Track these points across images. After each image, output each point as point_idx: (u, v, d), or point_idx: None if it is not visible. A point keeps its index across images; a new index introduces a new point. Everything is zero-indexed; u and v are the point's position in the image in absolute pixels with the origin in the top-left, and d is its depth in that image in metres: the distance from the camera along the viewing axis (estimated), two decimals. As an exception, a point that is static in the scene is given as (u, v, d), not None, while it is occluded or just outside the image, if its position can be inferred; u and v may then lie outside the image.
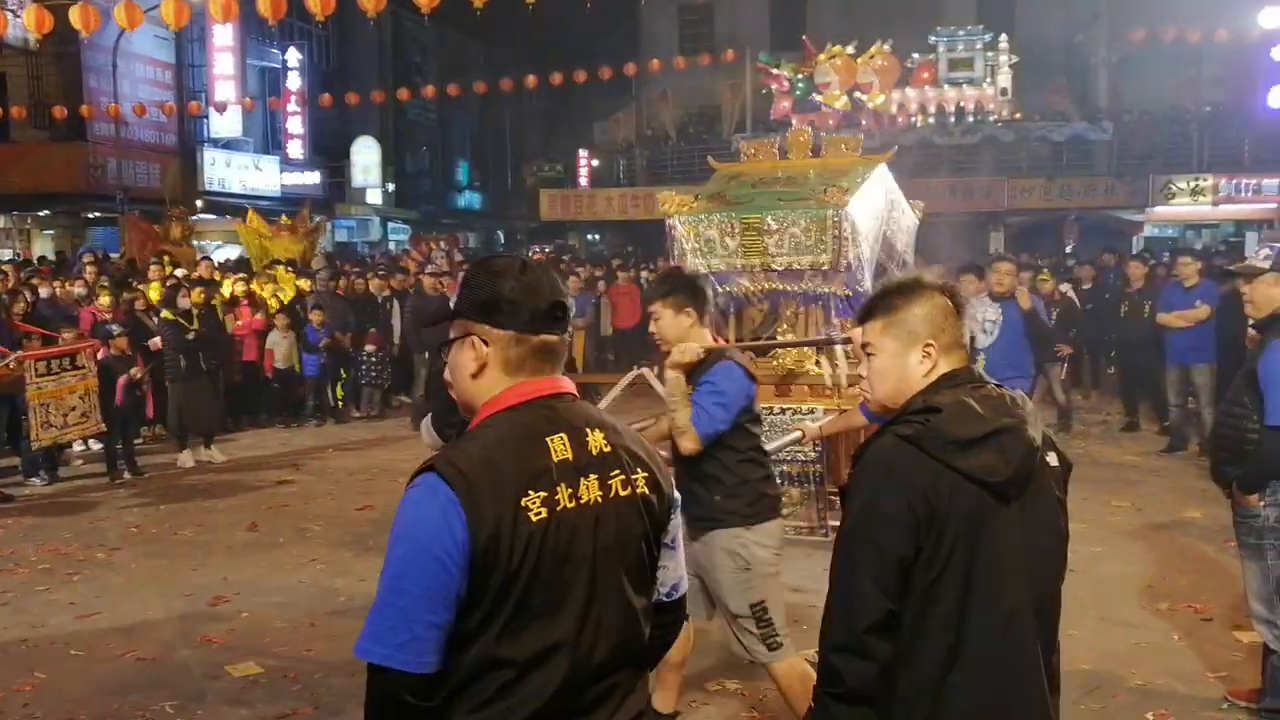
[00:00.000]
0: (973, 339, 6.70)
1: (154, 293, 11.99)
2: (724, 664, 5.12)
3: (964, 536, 2.05)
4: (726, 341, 4.62)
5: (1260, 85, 13.78)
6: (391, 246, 29.62)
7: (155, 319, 11.10)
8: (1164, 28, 21.43)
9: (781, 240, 6.46)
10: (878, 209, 6.82)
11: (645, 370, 7.49)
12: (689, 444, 3.78)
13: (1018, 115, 25.29)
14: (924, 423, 2.08)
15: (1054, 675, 2.20)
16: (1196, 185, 23.45)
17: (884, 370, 2.24)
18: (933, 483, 2.04)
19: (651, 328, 3.99)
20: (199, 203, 23.86)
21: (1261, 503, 4.24)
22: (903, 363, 2.21)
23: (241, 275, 13.82)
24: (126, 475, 9.67)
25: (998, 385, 2.19)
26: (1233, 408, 4.43)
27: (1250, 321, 4.62)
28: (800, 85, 25.71)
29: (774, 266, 6.55)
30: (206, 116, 24.66)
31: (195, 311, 10.29)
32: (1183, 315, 9.63)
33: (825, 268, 6.45)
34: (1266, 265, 4.34)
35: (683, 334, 3.85)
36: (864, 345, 2.30)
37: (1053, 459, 2.21)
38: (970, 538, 2.05)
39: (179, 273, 13.43)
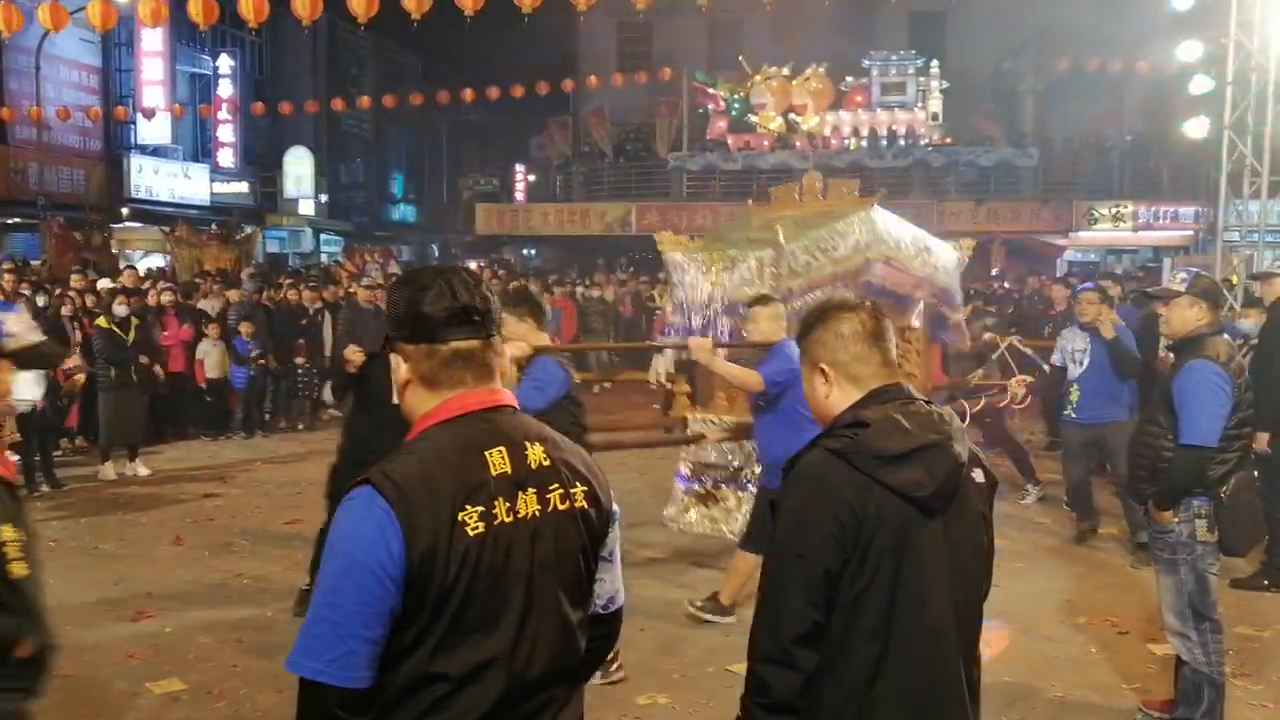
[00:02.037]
0: (1064, 369, 6.63)
1: (78, 299, 11.73)
2: (656, 678, 5.15)
3: (890, 550, 2.09)
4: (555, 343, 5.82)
5: (1178, 116, 14.24)
6: (324, 258, 29.26)
7: (75, 327, 10.86)
8: (1088, 58, 22.09)
9: (733, 276, 7.29)
10: (862, 248, 7.38)
11: None
12: None
13: (948, 140, 25.80)
14: (852, 437, 2.13)
15: (974, 686, 2.25)
16: (1118, 211, 24.16)
17: (806, 393, 2.37)
18: (860, 496, 2.08)
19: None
20: (125, 210, 23.36)
21: (1175, 519, 4.35)
22: (811, 385, 2.32)
23: (169, 285, 13.56)
24: (45, 488, 9.40)
25: (927, 402, 2.25)
26: (1148, 427, 4.55)
27: (1166, 343, 4.75)
28: (736, 105, 25.97)
29: (731, 299, 7.21)
30: (134, 122, 24.19)
31: (134, 321, 10.12)
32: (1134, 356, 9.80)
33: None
34: (1182, 288, 4.46)
35: (523, 336, 4.89)
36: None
37: (979, 475, 2.25)
38: (896, 551, 2.10)
39: (103, 284, 13.14)
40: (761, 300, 5.75)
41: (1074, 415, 7.50)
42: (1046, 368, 8.09)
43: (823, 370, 2.27)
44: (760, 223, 8.00)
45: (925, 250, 7.81)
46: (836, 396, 2.26)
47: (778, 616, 2.10)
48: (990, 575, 2.30)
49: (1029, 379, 8.26)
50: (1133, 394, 7.54)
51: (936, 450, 2.13)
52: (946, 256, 7.97)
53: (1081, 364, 7.44)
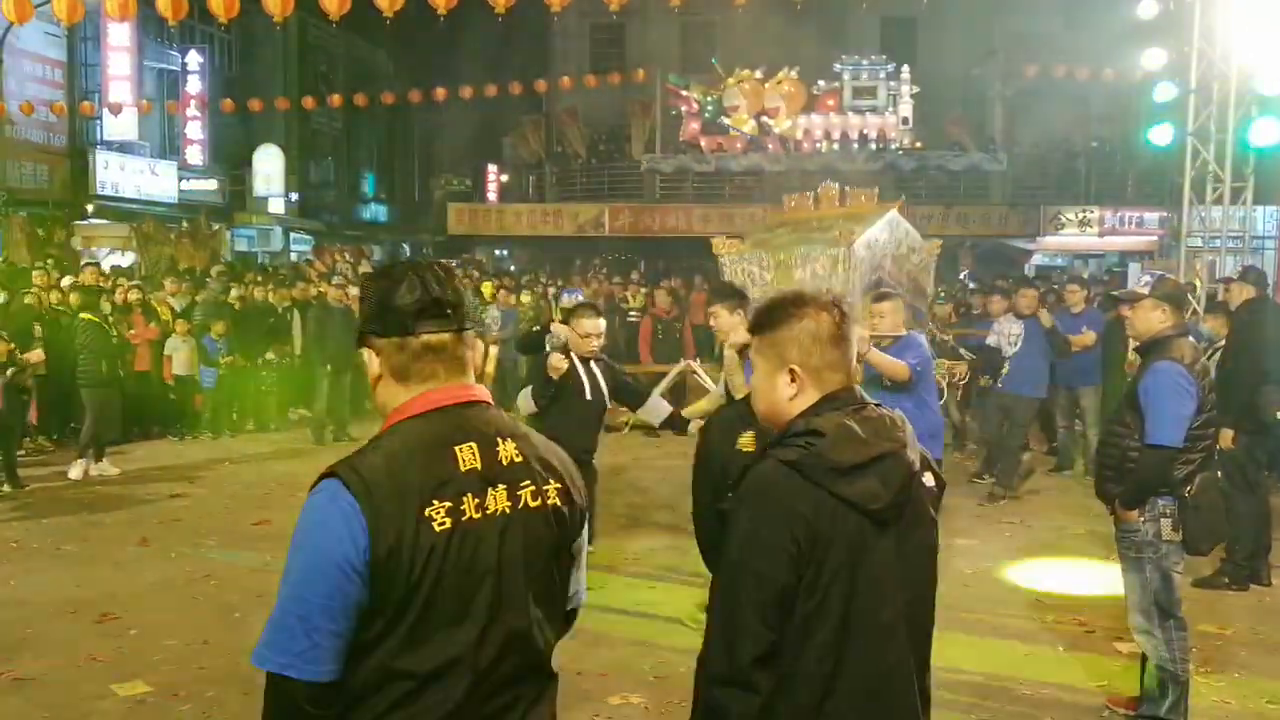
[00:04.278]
0: (998, 348, 8.29)
1: (43, 294, 11.60)
2: (631, 678, 5.15)
3: (844, 563, 2.02)
4: None
5: (1142, 123, 14.41)
6: (294, 257, 29.01)
7: (41, 327, 10.73)
8: (1056, 65, 22.30)
9: (804, 273, 7.62)
10: (882, 246, 7.89)
11: (691, 363, 8.96)
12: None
13: (918, 144, 25.95)
14: (806, 447, 2.04)
15: (926, 694, 2.20)
16: (1084, 216, 24.39)
17: (758, 388, 2.25)
18: (815, 509, 2.01)
19: (711, 322, 5.54)
20: (90, 207, 23.06)
21: (1141, 518, 4.41)
22: (772, 384, 2.19)
23: (135, 283, 13.42)
24: (6, 488, 9.27)
25: (877, 405, 2.17)
26: (1115, 427, 4.60)
27: (1132, 345, 4.81)
28: (709, 107, 26.00)
29: None
30: (100, 118, 23.85)
31: (110, 317, 10.07)
32: (1070, 340, 9.98)
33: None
34: (1147, 291, 4.52)
35: (736, 326, 5.26)
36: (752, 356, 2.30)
37: (928, 479, 2.19)
38: (850, 565, 2.02)
39: (65, 281, 12.98)
40: (883, 296, 6.33)
41: (1001, 386, 9.41)
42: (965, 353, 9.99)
43: (792, 371, 2.16)
44: (776, 223, 8.34)
45: (913, 250, 8.27)
46: (800, 400, 2.15)
47: (734, 637, 2.01)
48: (936, 579, 2.21)
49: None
50: (1049, 378, 9.51)
51: (891, 460, 2.07)
52: (924, 256, 8.42)
53: (1015, 345, 9.28)
